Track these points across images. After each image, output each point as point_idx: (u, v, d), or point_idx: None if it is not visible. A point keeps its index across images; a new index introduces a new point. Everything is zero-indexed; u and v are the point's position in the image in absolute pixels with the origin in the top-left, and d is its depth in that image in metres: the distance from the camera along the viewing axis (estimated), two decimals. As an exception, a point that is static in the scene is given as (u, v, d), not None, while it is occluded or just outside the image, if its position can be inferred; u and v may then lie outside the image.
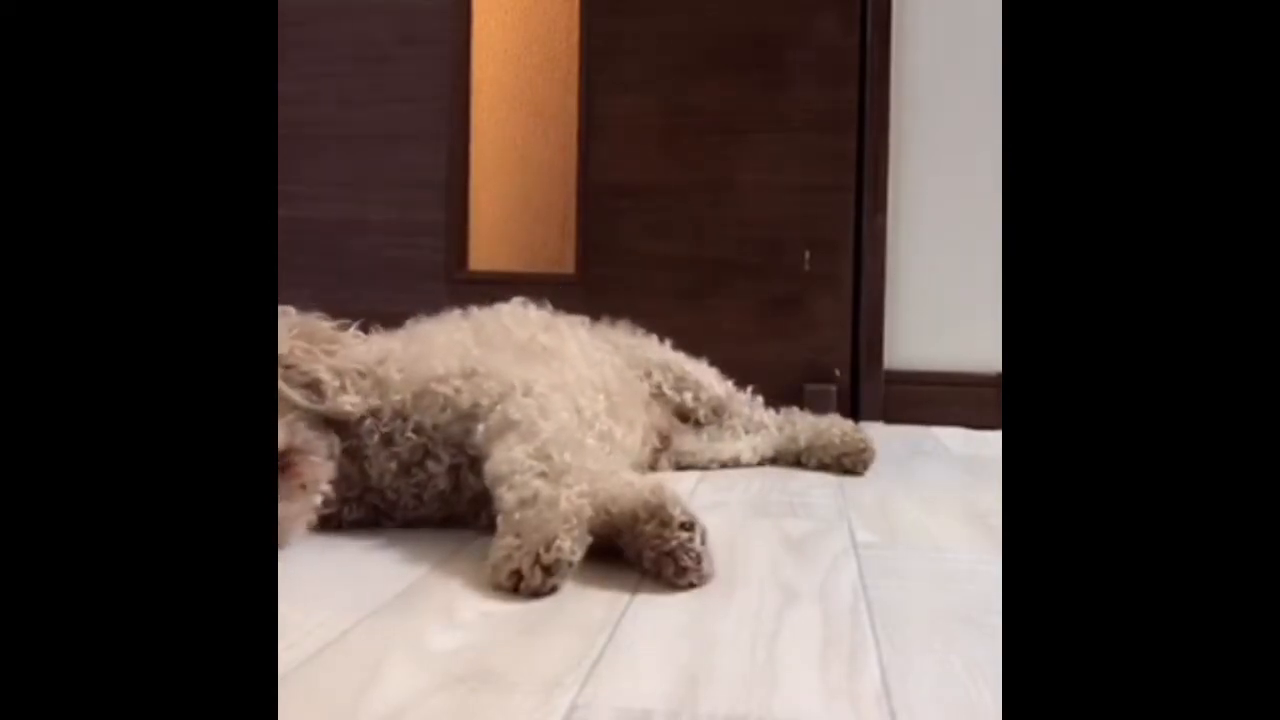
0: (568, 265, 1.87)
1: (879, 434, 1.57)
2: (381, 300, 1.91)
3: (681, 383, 1.29)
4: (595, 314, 1.30)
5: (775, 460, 1.34)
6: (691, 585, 0.79)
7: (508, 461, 0.84)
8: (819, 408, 1.70)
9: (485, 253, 1.92)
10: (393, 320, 1.88)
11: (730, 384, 1.34)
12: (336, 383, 0.93)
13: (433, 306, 1.88)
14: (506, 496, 0.82)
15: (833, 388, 1.71)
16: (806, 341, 1.74)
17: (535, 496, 0.80)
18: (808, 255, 1.71)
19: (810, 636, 0.71)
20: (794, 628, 0.72)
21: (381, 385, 0.95)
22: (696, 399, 1.30)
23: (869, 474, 1.29)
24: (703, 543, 0.80)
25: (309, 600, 0.75)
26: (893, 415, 1.74)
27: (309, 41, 1.85)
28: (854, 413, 1.74)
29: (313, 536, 0.91)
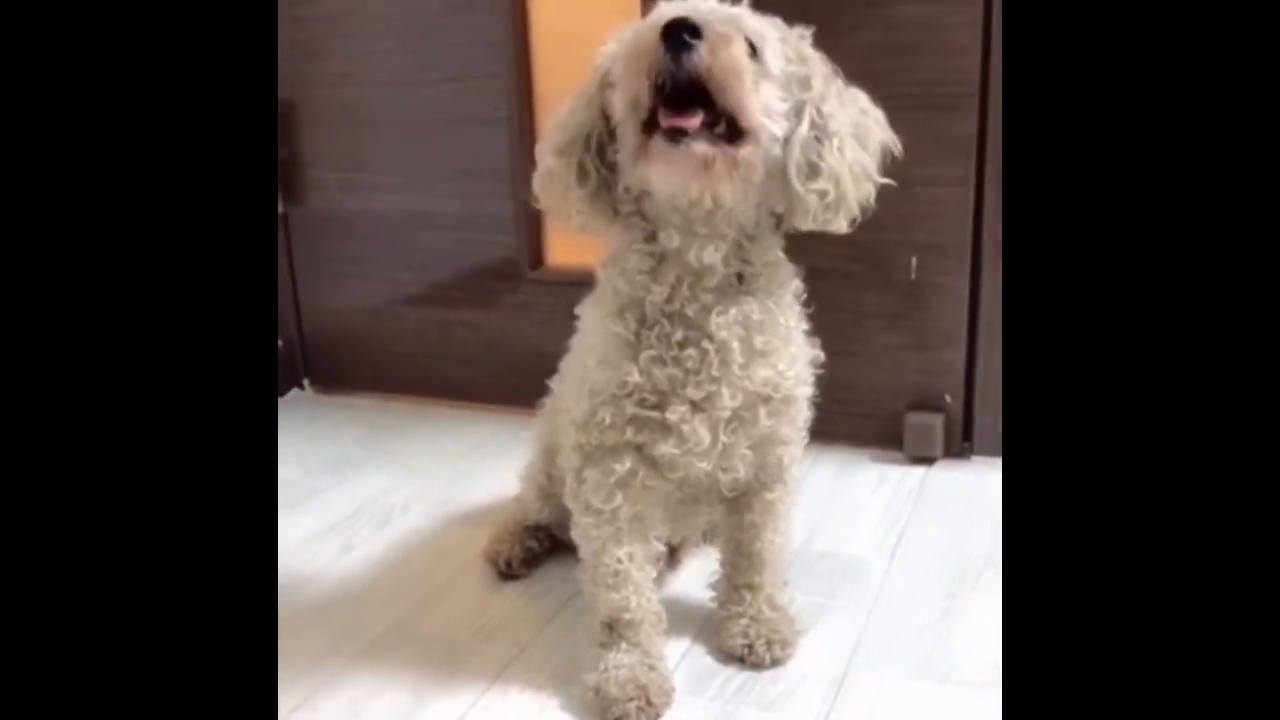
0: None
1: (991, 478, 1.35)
2: (458, 299, 1.78)
3: None
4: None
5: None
6: None
7: None
8: (920, 444, 1.47)
9: (565, 246, 1.75)
10: (472, 323, 1.76)
11: None
12: None
13: (514, 305, 1.75)
14: None
15: (939, 418, 1.46)
16: (912, 362, 1.49)
17: None
18: (915, 262, 1.45)
19: None
20: None
21: None
22: None
23: None
24: None
25: None
26: (1014, 451, 1.47)
27: (352, 14, 1.69)
28: (965, 445, 1.49)
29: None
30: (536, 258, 1.73)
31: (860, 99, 0.91)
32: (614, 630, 0.98)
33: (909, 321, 1.48)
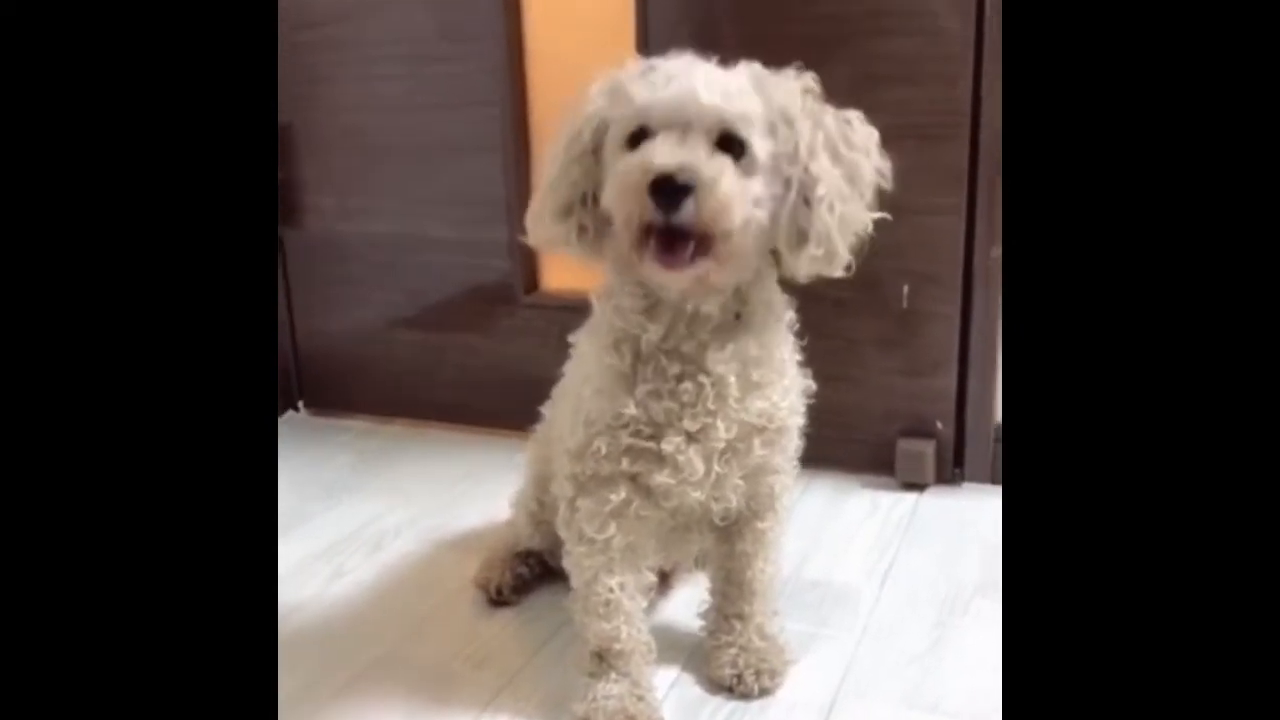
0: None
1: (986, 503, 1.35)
2: (453, 323, 1.79)
3: None
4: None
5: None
6: None
7: None
8: (912, 470, 1.47)
9: (560, 271, 1.75)
10: (467, 346, 1.77)
11: None
12: None
13: (509, 329, 1.76)
14: None
15: (931, 445, 1.47)
16: (904, 389, 1.50)
17: None
18: (906, 290, 1.46)
19: None
20: None
21: None
22: None
23: None
24: None
25: None
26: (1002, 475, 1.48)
27: (351, 40, 1.71)
28: (957, 472, 1.50)
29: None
30: (531, 282, 1.74)
31: (854, 131, 0.89)
32: (604, 660, 0.98)
33: (901, 348, 1.49)
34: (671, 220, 0.79)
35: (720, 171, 0.80)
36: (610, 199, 0.84)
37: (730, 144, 0.82)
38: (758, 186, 0.83)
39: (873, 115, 1.44)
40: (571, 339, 1.00)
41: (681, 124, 0.81)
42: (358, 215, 1.79)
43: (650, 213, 0.79)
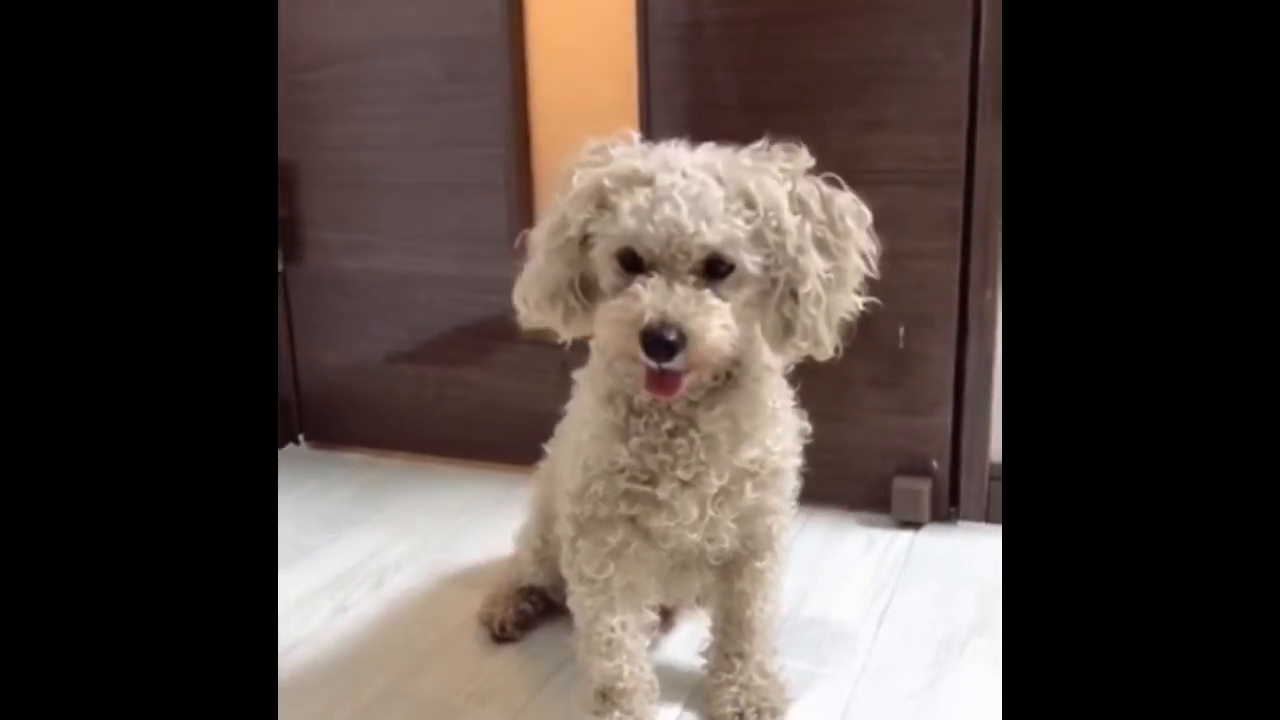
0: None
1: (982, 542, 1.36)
2: (454, 358, 1.81)
3: None
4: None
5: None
6: None
7: None
8: (908, 508, 1.49)
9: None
10: (467, 381, 1.79)
11: None
12: None
13: (509, 364, 1.78)
14: None
15: (927, 483, 1.49)
16: (900, 428, 1.52)
17: None
18: (902, 331, 1.49)
19: None
20: None
21: None
22: None
23: None
24: None
25: None
26: (997, 515, 1.50)
27: (359, 80, 1.74)
28: (952, 510, 1.52)
29: None
30: (532, 318, 1.76)
31: (843, 217, 0.88)
32: (607, 698, 0.99)
33: (897, 388, 1.51)
34: (665, 362, 0.81)
35: (709, 316, 0.81)
36: (602, 333, 0.86)
37: (719, 264, 0.83)
38: (747, 294, 0.85)
39: (868, 161, 1.47)
40: (575, 375, 1.02)
41: (669, 257, 0.82)
42: (361, 251, 1.82)
43: (642, 355, 0.81)
